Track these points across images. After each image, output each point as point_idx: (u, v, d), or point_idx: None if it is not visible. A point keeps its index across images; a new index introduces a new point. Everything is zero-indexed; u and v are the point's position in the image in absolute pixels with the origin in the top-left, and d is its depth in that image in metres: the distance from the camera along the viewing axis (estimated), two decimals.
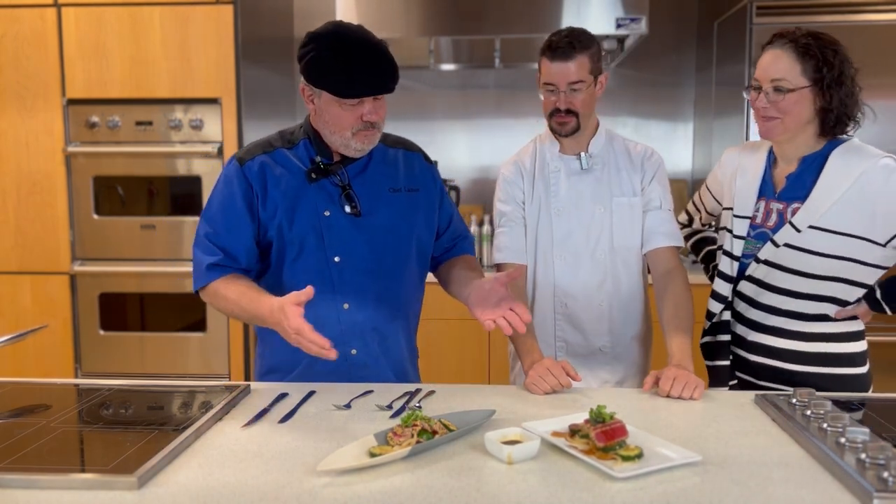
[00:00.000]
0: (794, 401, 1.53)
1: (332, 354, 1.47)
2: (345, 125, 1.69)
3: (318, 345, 1.47)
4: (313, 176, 1.76)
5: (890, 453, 1.20)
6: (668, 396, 1.65)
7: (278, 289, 1.80)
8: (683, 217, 2.19)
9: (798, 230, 1.73)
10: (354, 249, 1.78)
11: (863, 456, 1.22)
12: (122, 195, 3.42)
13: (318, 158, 1.77)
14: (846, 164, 1.71)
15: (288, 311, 1.49)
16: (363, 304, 1.80)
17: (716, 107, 3.60)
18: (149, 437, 1.37)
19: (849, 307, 1.78)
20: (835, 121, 1.72)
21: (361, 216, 1.78)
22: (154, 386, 1.77)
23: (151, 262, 3.40)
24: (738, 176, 1.89)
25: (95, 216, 3.41)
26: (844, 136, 1.76)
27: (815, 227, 1.72)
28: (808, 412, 1.45)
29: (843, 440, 1.30)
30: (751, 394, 1.68)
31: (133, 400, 1.65)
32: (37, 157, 3.37)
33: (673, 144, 3.97)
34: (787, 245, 1.75)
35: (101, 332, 3.47)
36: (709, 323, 1.92)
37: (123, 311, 3.48)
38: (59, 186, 3.38)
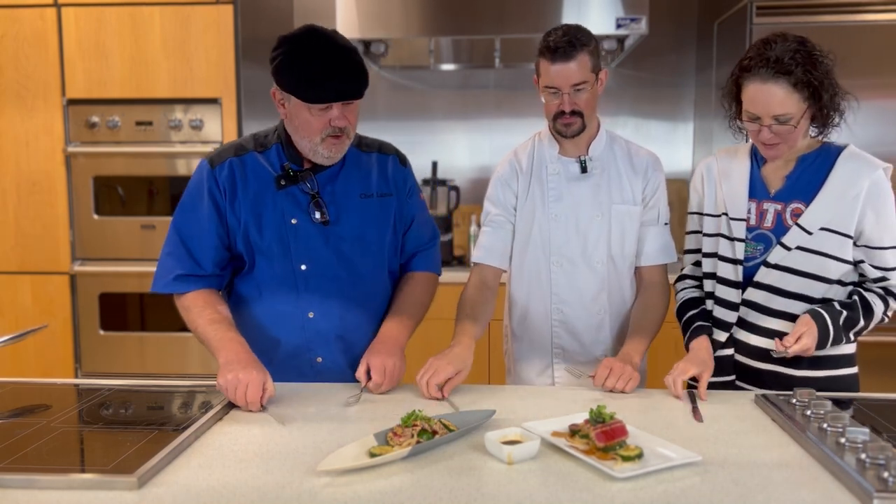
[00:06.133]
0: (794, 401, 1.53)
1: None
2: (313, 130, 1.67)
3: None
4: (282, 182, 1.75)
5: (890, 453, 1.20)
6: (602, 388, 1.70)
7: (243, 295, 1.82)
8: (691, 246, 2.01)
9: (809, 232, 1.73)
10: (321, 258, 1.77)
11: (863, 456, 1.22)
12: (122, 195, 3.42)
13: (288, 164, 1.75)
14: (855, 171, 1.72)
15: (255, 390, 1.55)
16: (328, 312, 1.79)
17: (716, 107, 3.59)
18: (149, 437, 1.37)
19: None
20: (829, 121, 1.73)
21: (330, 224, 1.77)
22: (154, 386, 1.77)
23: (151, 262, 3.34)
24: (722, 181, 1.86)
25: (95, 216, 3.41)
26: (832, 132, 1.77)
27: (826, 229, 1.72)
28: (808, 412, 1.45)
29: (843, 440, 1.30)
30: (751, 394, 1.68)
31: (133, 400, 1.65)
32: (37, 157, 3.38)
33: (673, 144, 3.96)
34: (799, 248, 1.74)
35: (101, 332, 3.47)
36: (726, 335, 1.84)
37: (123, 311, 3.48)
38: (59, 186, 3.38)
